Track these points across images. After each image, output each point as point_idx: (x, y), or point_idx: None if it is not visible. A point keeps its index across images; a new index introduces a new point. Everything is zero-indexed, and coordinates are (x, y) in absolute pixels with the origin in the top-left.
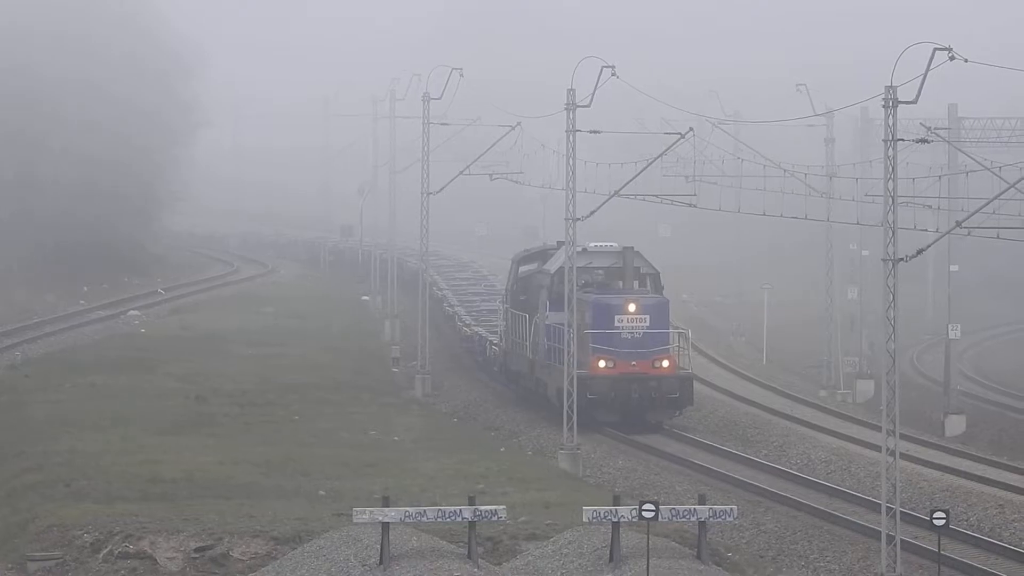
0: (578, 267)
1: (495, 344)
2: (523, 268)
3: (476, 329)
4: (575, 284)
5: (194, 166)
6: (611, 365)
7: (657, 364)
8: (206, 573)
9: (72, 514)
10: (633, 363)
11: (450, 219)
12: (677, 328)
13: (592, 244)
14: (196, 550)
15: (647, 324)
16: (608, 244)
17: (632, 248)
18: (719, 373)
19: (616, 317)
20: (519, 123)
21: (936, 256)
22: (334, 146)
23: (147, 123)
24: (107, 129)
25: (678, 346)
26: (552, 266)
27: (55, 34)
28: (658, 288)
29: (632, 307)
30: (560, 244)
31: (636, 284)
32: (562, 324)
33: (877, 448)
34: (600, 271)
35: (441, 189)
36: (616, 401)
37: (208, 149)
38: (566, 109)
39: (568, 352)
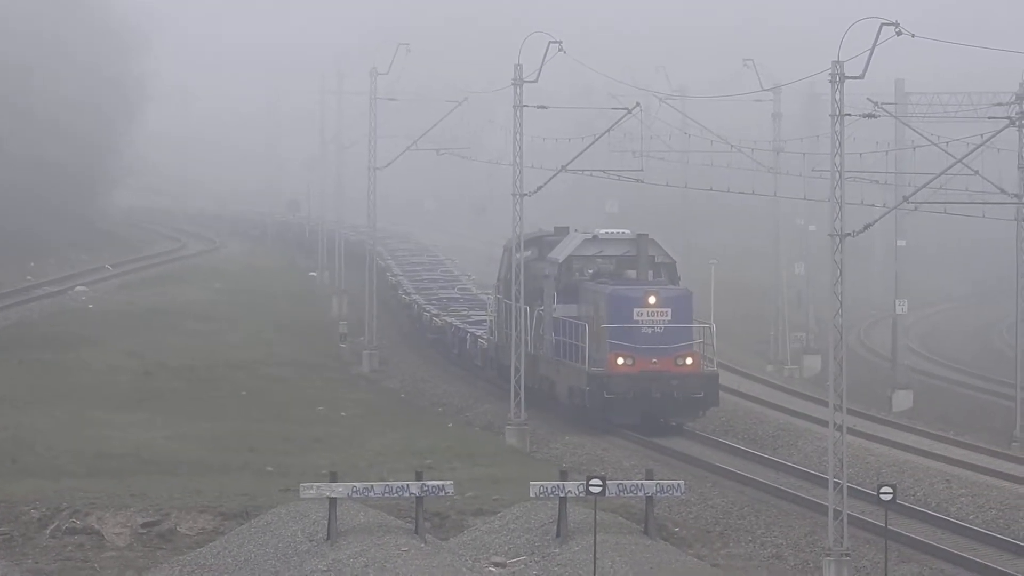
0: (587, 255)
1: (483, 338)
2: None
3: (449, 320)
4: (520, 267)
5: (144, 131)
6: (630, 363)
7: (680, 362)
8: (153, 548)
9: (19, 490)
10: (654, 360)
11: (399, 194)
12: (701, 322)
13: (603, 231)
14: (143, 525)
15: (668, 318)
16: (620, 231)
17: (647, 235)
18: None
19: (635, 310)
20: (466, 98)
21: (883, 231)
22: (283, 110)
23: (97, 97)
24: (56, 103)
25: (702, 342)
26: (560, 254)
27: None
28: (674, 279)
29: (652, 299)
30: (558, 231)
31: (651, 274)
32: (573, 317)
33: (824, 423)
34: (611, 260)
35: (388, 164)
36: (635, 402)
37: (156, 110)
38: (513, 84)
39: (517, 335)
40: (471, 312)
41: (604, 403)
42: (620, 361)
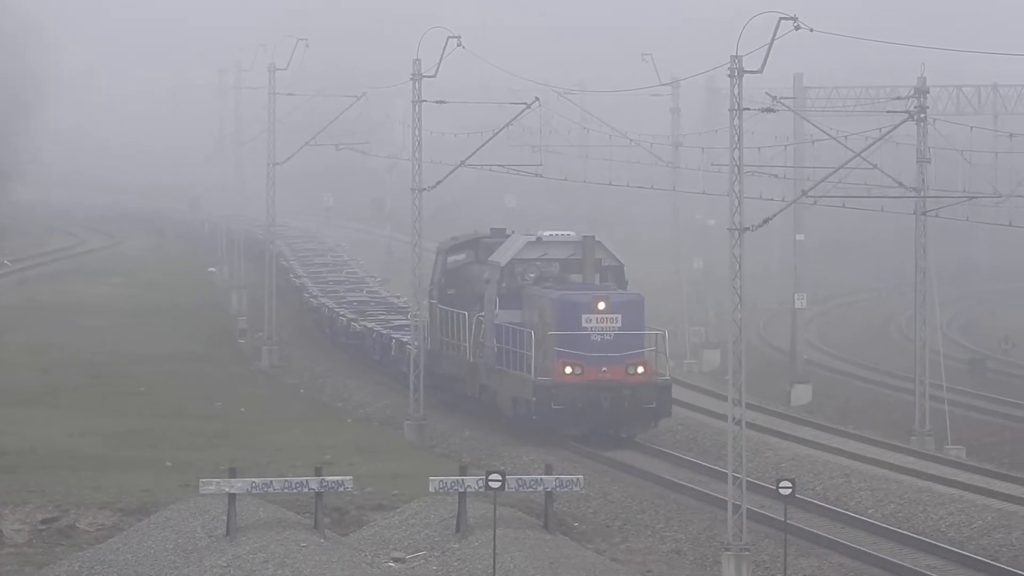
0: (530, 259)
1: (412, 344)
2: (452, 259)
3: (370, 325)
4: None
5: (41, 124)
6: (579, 372)
7: (631, 370)
8: (52, 545)
9: None
10: (604, 369)
11: (299, 190)
12: (653, 328)
13: (547, 233)
14: (42, 522)
15: (619, 325)
16: (565, 233)
17: (593, 237)
18: None
19: (584, 317)
20: (365, 93)
21: (782, 225)
22: (185, 102)
23: None
24: None
25: (654, 349)
26: (502, 257)
27: None
28: (622, 282)
29: (602, 305)
30: (495, 233)
31: (597, 278)
32: (516, 324)
33: (723, 417)
34: (555, 263)
35: (287, 159)
36: (584, 413)
37: (54, 102)
38: (412, 79)
39: (418, 332)
40: (391, 317)
41: (552, 414)
42: (568, 370)
